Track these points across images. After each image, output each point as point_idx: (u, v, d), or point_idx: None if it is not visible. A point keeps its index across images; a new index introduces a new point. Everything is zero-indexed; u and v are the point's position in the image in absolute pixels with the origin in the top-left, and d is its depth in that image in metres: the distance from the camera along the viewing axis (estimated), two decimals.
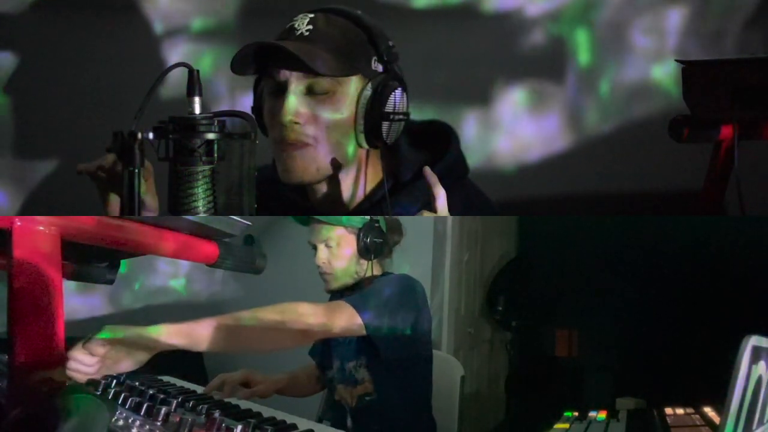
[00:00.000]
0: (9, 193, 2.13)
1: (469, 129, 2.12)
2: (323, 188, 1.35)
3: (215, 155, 1.12)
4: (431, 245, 2.60)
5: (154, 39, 2.08)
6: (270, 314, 1.26)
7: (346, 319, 1.38)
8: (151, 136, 1.09)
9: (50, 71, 2.07)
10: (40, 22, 2.05)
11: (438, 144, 1.37)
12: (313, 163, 1.28)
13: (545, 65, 2.13)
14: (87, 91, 2.06)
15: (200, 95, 1.11)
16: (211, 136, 1.11)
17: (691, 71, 1.49)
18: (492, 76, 2.12)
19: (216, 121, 1.12)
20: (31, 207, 2.10)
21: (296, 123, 1.25)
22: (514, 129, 2.14)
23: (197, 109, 1.11)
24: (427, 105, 2.07)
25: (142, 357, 1.16)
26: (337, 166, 1.30)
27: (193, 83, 1.12)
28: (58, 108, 2.07)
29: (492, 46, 2.10)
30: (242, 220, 1.34)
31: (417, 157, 1.36)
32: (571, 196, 2.15)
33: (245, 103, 1.40)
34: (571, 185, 2.14)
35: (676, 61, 1.51)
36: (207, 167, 1.11)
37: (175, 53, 2.07)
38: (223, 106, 2.01)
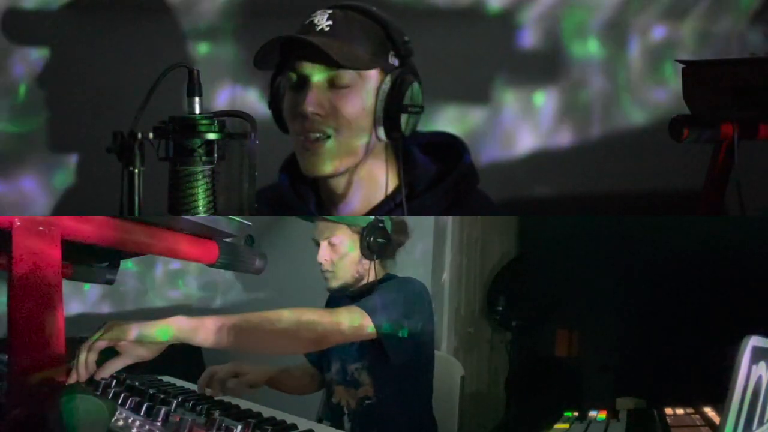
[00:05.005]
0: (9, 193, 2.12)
1: (469, 128, 2.11)
2: (342, 187, 1.36)
3: (215, 155, 1.12)
4: (431, 245, 2.60)
5: (155, 39, 2.07)
6: (283, 318, 1.26)
7: (359, 325, 1.38)
8: (151, 136, 1.10)
9: (50, 71, 2.07)
10: (40, 22, 2.05)
11: (449, 154, 1.40)
12: (334, 155, 1.29)
13: (545, 64, 2.12)
14: (87, 92, 2.06)
15: (200, 95, 1.12)
16: (211, 136, 1.11)
17: (691, 71, 1.48)
18: (492, 76, 2.12)
19: (216, 121, 1.12)
20: (31, 207, 2.09)
21: (318, 115, 1.27)
22: (514, 128, 2.14)
23: (197, 109, 1.12)
24: (428, 105, 2.06)
25: (154, 349, 1.16)
26: (356, 159, 1.32)
27: (193, 83, 1.12)
28: (59, 108, 2.07)
29: (492, 46, 2.10)
30: (242, 220, 1.34)
31: (430, 167, 1.38)
32: (571, 196, 2.15)
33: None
34: (571, 185, 2.14)
35: (677, 61, 1.51)
36: (207, 167, 1.12)
37: (175, 53, 2.07)
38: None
